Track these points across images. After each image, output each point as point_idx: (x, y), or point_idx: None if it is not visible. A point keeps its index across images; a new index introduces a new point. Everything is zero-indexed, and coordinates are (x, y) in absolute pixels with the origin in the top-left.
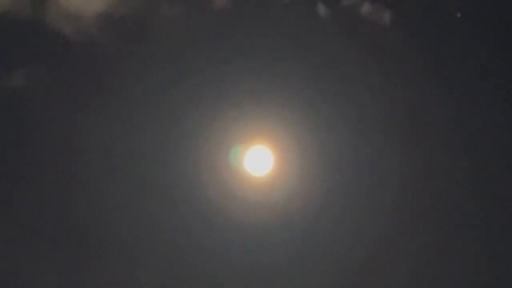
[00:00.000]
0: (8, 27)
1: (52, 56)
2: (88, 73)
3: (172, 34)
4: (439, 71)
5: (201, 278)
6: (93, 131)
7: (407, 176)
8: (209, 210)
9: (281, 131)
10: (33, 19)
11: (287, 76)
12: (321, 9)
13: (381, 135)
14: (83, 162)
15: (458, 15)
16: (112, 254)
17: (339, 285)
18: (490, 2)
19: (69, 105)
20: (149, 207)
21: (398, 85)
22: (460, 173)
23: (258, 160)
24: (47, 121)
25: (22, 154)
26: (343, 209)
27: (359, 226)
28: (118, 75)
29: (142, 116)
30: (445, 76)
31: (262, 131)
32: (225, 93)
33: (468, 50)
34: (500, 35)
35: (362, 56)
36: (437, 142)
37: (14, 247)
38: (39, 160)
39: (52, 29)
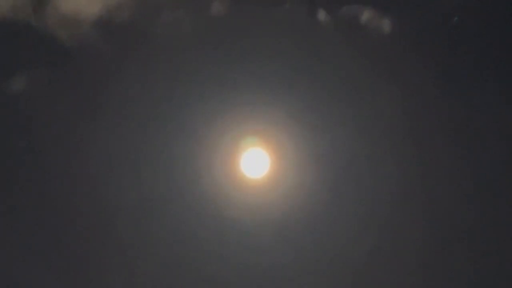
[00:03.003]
0: (9, 32)
1: (52, 61)
2: (88, 77)
3: (171, 37)
4: (437, 75)
5: (198, 279)
6: (93, 134)
7: (406, 176)
8: (207, 212)
9: (278, 134)
10: (33, 24)
11: (285, 80)
12: (321, 15)
13: (379, 138)
14: (83, 164)
15: (456, 19)
16: (110, 254)
17: (337, 286)
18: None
19: (69, 109)
20: (146, 208)
21: (396, 88)
22: (460, 176)
23: (255, 162)
24: (47, 124)
25: (21, 157)
26: (340, 210)
27: (356, 227)
28: (118, 79)
29: (140, 120)
30: (444, 80)
31: (260, 133)
32: (222, 96)
33: (467, 54)
34: (498, 38)
35: (361, 60)
36: (436, 146)
37: (13, 249)
38: (37, 164)
39: (52, 34)
